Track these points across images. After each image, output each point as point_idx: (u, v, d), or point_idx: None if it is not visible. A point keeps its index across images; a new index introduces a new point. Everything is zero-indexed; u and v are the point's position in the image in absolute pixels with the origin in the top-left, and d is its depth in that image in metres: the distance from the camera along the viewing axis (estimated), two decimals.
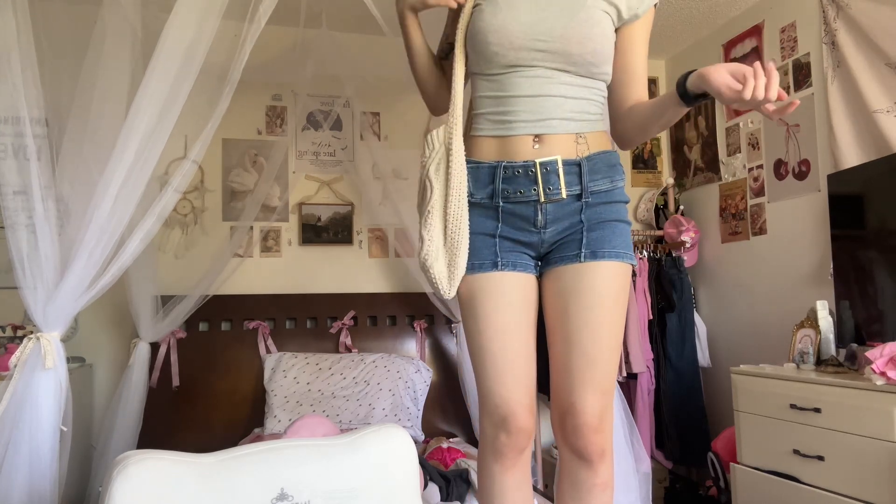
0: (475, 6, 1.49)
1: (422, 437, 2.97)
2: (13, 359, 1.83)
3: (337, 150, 3.44)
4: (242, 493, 1.37)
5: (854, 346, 2.40)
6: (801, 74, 3.01)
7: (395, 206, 3.28)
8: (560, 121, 1.43)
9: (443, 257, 1.45)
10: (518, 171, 1.42)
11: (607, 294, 1.41)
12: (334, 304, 3.27)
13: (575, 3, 1.43)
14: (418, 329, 3.33)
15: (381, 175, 3.36)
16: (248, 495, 1.37)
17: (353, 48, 3.12)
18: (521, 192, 1.43)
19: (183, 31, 1.78)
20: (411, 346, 3.33)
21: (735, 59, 3.38)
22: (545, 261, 1.49)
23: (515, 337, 1.44)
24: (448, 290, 1.47)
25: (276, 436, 2.56)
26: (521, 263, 1.47)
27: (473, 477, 2.28)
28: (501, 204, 1.45)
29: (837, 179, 2.63)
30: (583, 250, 1.42)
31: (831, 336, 2.51)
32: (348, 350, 3.20)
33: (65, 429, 1.88)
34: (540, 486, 3.12)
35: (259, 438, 2.72)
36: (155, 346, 2.91)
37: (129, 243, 1.91)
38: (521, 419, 1.42)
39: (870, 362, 2.07)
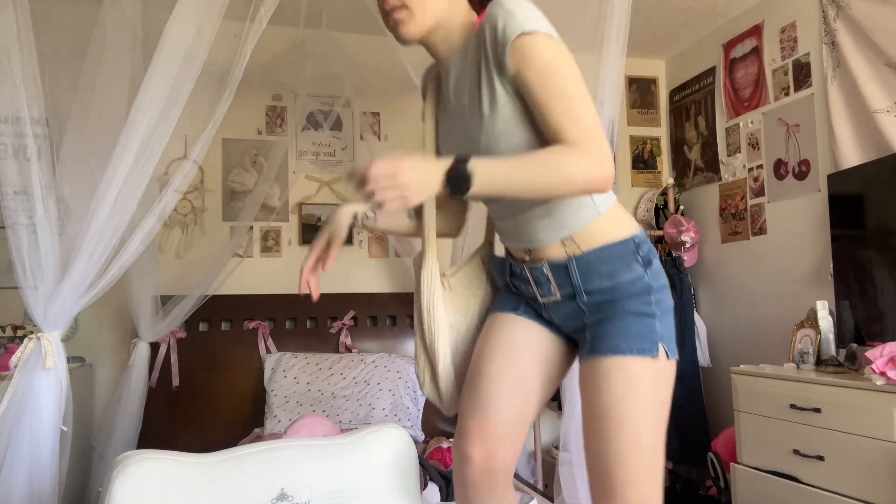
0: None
1: (422, 437, 2.97)
2: (13, 359, 1.83)
3: (337, 150, 3.44)
4: (242, 493, 1.37)
5: (854, 346, 2.40)
6: (801, 74, 3.01)
7: None
8: (537, 234, 1.33)
9: (428, 372, 1.46)
10: (517, 271, 1.40)
11: (613, 397, 1.24)
12: (334, 304, 3.27)
13: (475, 123, 1.26)
14: None
15: None
16: (248, 495, 1.37)
17: (353, 48, 3.13)
18: (523, 288, 1.40)
19: (183, 31, 1.78)
20: (411, 346, 3.33)
21: (735, 59, 3.39)
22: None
23: (503, 373, 1.36)
24: (436, 399, 1.47)
25: (276, 436, 2.55)
26: (543, 322, 1.42)
27: None
28: (518, 292, 1.45)
29: (837, 179, 2.63)
30: (586, 346, 1.32)
31: (831, 336, 2.51)
32: (348, 350, 3.20)
33: (65, 429, 1.88)
34: (540, 486, 3.12)
35: (259, 438, 2.72)
36: (155, 346, 2.91)
37: (129, 243, 1.91)
38: (477, 454, 1.33)
39: (870, 362, 2.07)
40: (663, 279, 1.32)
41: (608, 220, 1.30)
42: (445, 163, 1.11)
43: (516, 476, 2.82)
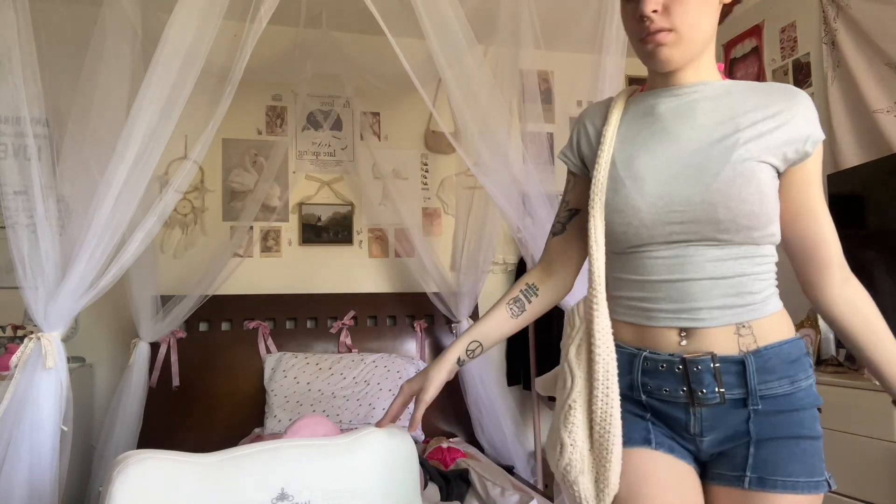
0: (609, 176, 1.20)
1: (422, 437, 2.97)
2: (14, 359, 1.84)
3: (337, 150, 3.44)
4: (242, 493, 1.37)
5: None
6: (801, 74, 3.01)
7: (395, 206, 3.28)
8: (712, 310, 1.12)
9: (589, 470, 1.15)
10: (662, 366, 1.14)
11: None
12: (334, 304, 3.27)
13: (717, 157, 1.10)
14: (418, 329, 3.33)
15: (381, 175, 3.37)
16: (249, 495, 1.37)
17: (353, 48, 3.13)
18: (666, 391, 1.14)
19: (184, 31, 1.78)
20: (411, 346, 3.33)
21: (735, 59, 3.39)
22: (704, 469, 1.19)
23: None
24: None
25: (276, 436, 2.55)
26: (678, 449, 1.16)
27: (473, 477, 2.28)
28: (645, 398, 1.17)
29: (837, 179, 2.63)
30: (748, 473, 1.11)
31: (831, 336, 2.51)
32: (348, 350, 3.20)
33: (65, 428, 1.88)
34: (540, 486, 3.12)
35: (259, 438, 2.72)
36: (155, 346, 2.91)
37: (129, 243, 1.92)
38: None
39: None
40: None
41: (783, 315, 1.18)
42: None
43: (516, 476, 2.82)
